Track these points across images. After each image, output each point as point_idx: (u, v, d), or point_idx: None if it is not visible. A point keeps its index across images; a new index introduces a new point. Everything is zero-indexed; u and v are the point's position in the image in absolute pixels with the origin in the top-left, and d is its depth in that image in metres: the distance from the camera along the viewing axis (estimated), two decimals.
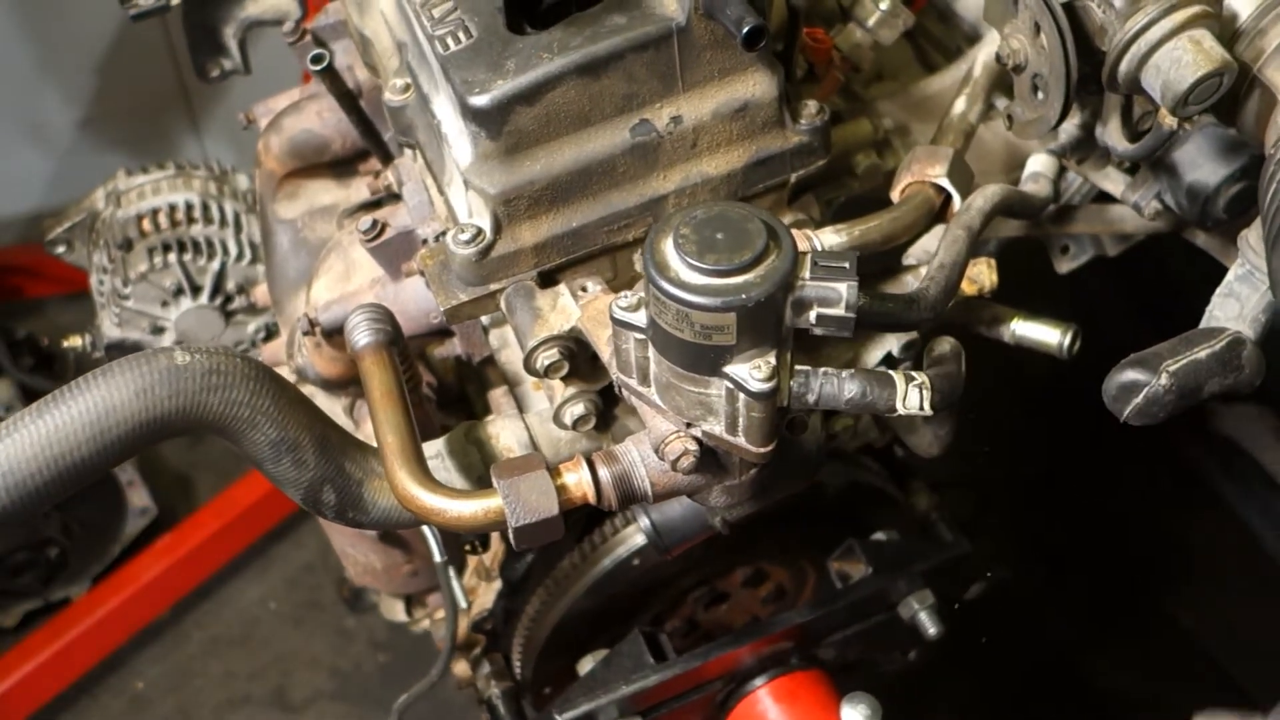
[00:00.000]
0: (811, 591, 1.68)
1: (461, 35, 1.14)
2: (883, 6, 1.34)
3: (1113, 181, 1.33)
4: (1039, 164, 1.29)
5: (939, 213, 1.22)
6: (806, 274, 0.92)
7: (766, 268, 0.90)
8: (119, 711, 2.90)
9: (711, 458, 1.03)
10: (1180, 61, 1.03)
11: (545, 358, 1.12)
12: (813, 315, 0.93)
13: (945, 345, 1.04)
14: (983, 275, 1.22)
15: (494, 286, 1.17)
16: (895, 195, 1.24)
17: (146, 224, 1.94)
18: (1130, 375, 1.02)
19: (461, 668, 1.69)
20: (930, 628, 1.56)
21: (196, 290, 1.95)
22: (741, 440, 0.98)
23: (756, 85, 1.17)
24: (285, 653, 2.95)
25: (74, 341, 2.04)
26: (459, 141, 1.15)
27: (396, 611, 1.94)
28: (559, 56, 1.10)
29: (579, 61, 1.10)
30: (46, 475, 0.98)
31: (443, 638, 1.62)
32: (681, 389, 0.97)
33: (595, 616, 1.57)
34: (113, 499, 2.88)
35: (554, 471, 1.03)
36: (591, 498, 1.04)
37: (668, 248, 0.92)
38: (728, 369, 0.93)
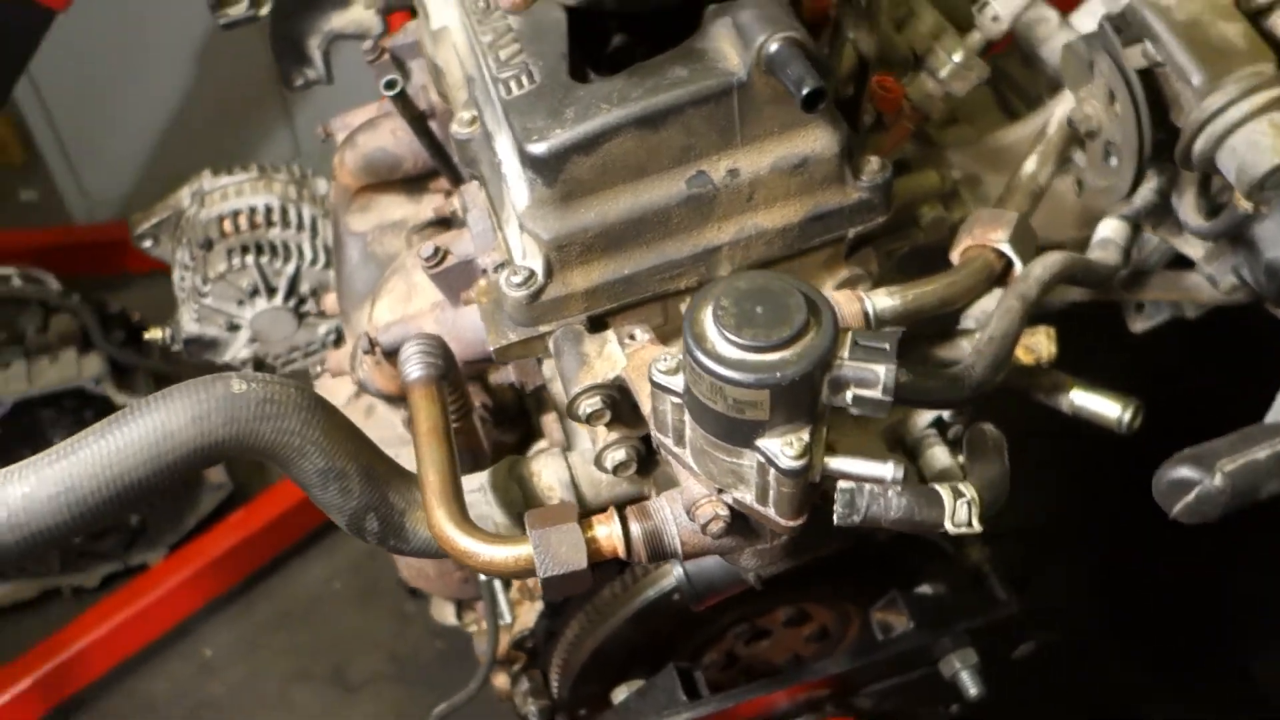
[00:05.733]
0: (854, 636, 1.66)
1: (525, 80, 1.15)
2: (955, 58, 1.31)
3: (1192, 246, 1.29)
4: (1110, 229, 1.26)
5: (999, 277, 1.20)
6: (845, 353, 0.91)
7: (804, 345, 0.90)
8: (187, 676, 2.99)
9: (742, 522, 1.03)
10: (1258, 146, 0.99)
11: (588, 405, 1.13)
12: (849, 395, 0.92)
13: (987, 437, 1.02)
14: (1041, 345, 1.19)
15: (544, 329, 1.18)
16: (955, 257, 1.22)
17: (227, 225, 1.99)
18: (1183, 472, 0.99)
19: (502, 681, 1.71)
20: (971, 688, 1.54)
21: (272, 291, 2.00)
22: (771, 512, 0.98)
23: (817, 141, 1.15)
24: (346, 633, 3.02)
25: (155, 334, 2.10)
26: (517, 184, 1.16)
27: (447, 614, 1.97)
28: (618, 108, 1.10)
29: (638, 114, 1.09)
30: (105, 494, 1.01)
31: (484, 651, 1.65)
32: (714, 456, 0.97)
33: (634, 645, 1.58)
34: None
35: (585, 523, 1.04)
36: (621, 552, 1.04)
37: (707, 319, 0.91)
38: (760, 443, 0.93)
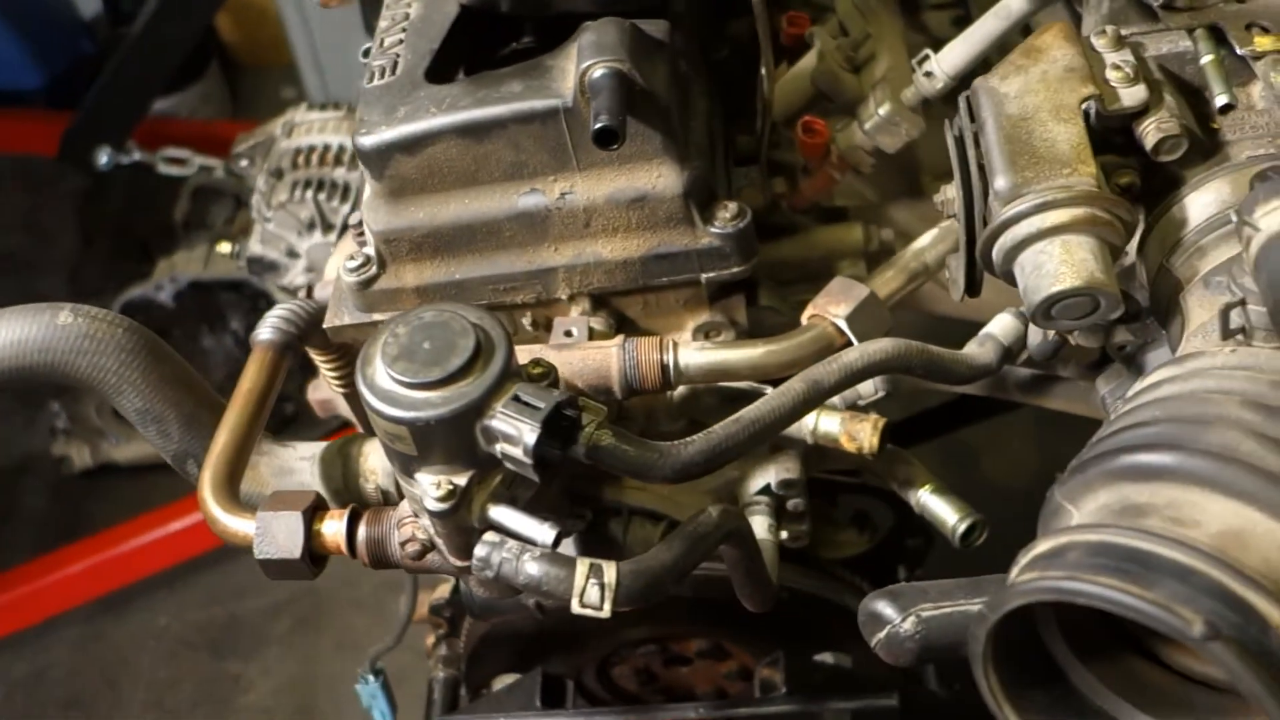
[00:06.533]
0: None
1: (388, 71, 1.16)
2: (881, 111, 1.20)
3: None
4: (998, 326, 1.11)
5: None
6: (500, 405, 0.88)
7: (451, 391, 0.87)
8: None
9: None
10: (1041, 269, 0.87)
11: None
12: (499, 449, 0.89)
13: (691, 528, 0.94)
14: (863, 434, 1.09)
15: (377, 317, 1.20)
16: (802, 321, 1.14)
17: (300, 159, 2.12)
18: (879, 606, 0.89)
19: (429, 641, 1.76)
20: None
21: (328, 227, 2.12)
22: (442, 546, 0.96)
23: (660, 178, 1.10)
24: None
25: (224, 247, 2.27)
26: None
27: None
28: (442, 114, 1.09)
29: (459, 123, 1.08)
30: None
31: (403, 608, 1.71)
32: (399, 479, 0.97)
33: (531, 638, 1.58)
34: None
35: (319, 516, 1.05)
36: (344, 551, 1.05)
37: (379, 344, 0.90)
38: (417, 476, 0.92)
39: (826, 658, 1.52)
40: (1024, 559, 0.74)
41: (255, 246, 2.18)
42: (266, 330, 1.24)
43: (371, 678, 1.81)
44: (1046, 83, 0.91)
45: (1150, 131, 0.90)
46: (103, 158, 2.98)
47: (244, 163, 2.32)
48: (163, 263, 3.02)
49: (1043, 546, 0.72)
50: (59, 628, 3.06)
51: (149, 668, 3.03)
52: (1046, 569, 0.70)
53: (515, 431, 0.87)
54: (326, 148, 2.14)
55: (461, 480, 0.90)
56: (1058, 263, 0.85)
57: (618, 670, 1.67)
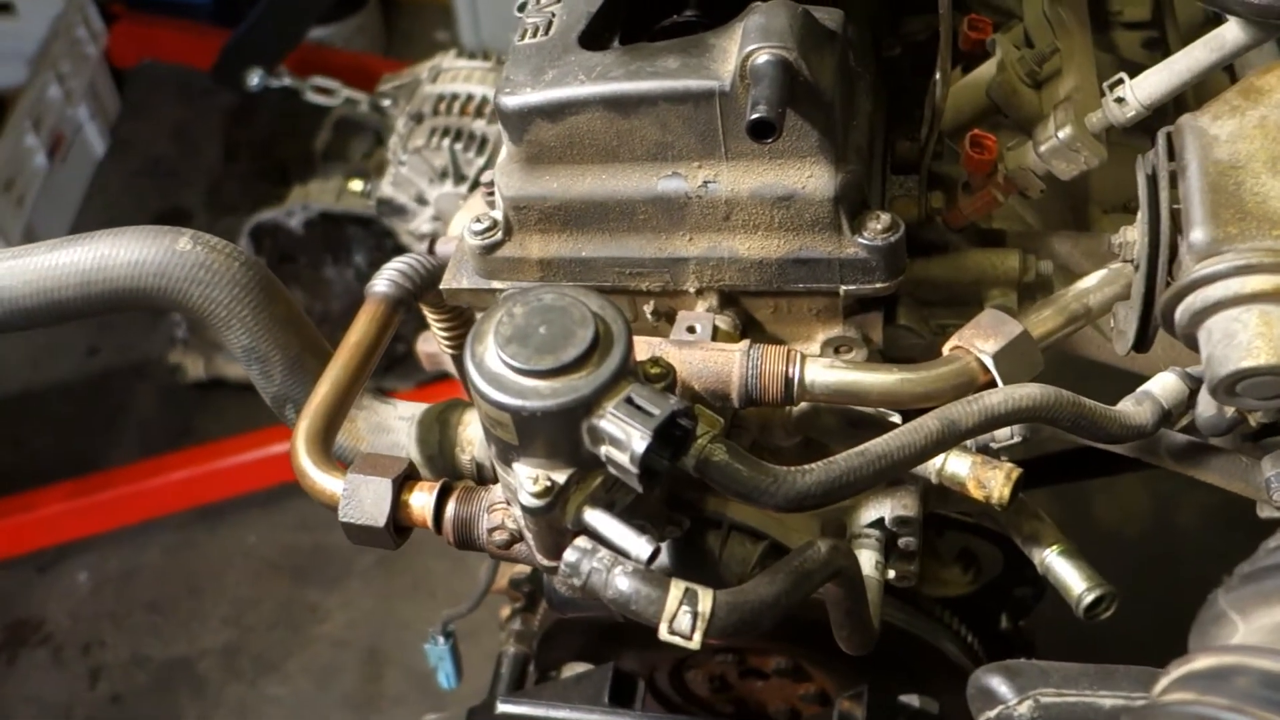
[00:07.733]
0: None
1: (541, 30, 1.10)
2: (1060, 134, 1.10)
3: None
4: (1159, 386, 1.01)
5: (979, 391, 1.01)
6: (611, 405, 0.82)
7: (562, 383, 0.81)
8: None
9: None
10: (1233, 338, 0.77)
11: None
12: (603, 452, 0.83)
13: (797, 562, 0.86)
14: (994, 483, 1.00)
15: (496, 285, 1.15)
16: (944, 351, 1.05)
17: (442, 105, 2.08)
18: (992, 683, 0.81)
19: (504, 613, 1.72)
20: None
21: (460, 178, 2.07)
22: (531, 541, 0.91)
23: (811, 179, 1.02)
24: None
25: (356, 185, 2.25)
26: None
27: None
28: (591, 83, 1.03)
29: (606, 94, 1.02)
30: (33, 302, 1.11)
31: (483, 577, 1.67)
32: (496, 465, 0.91)
33: (607, 630, 1.53)
34: None
35: (409, 485, 1.01)
36: (429, 525, 1.01)
37: (493, 321, 0.85)
38: (515, 465, 0.86)
39: (912, 700, 1.44)
40: (1177, 671, 0.65)
41: (386, 188, 2.15)
42: (382, 283, 1.20)
43: (441, 640, 1.78)
44: (1265, 129, 0.81)
45: None
46: (254, 79, 3.00)
47: (386, 102, 2.29)
48: (297, 189, 3.03)
49: (1203, 663, 0.64)
50: (154, 531, 3.12)
51: (233, 584, 3.07)
52: (1206, 692, 0.61)
53: (624, 436, 0.81)
54: (469, 97, 2.10)
55: (560, 477, 0.85)
56: (1253, 334, 0.76)
57: (691, 674, 1.61)
